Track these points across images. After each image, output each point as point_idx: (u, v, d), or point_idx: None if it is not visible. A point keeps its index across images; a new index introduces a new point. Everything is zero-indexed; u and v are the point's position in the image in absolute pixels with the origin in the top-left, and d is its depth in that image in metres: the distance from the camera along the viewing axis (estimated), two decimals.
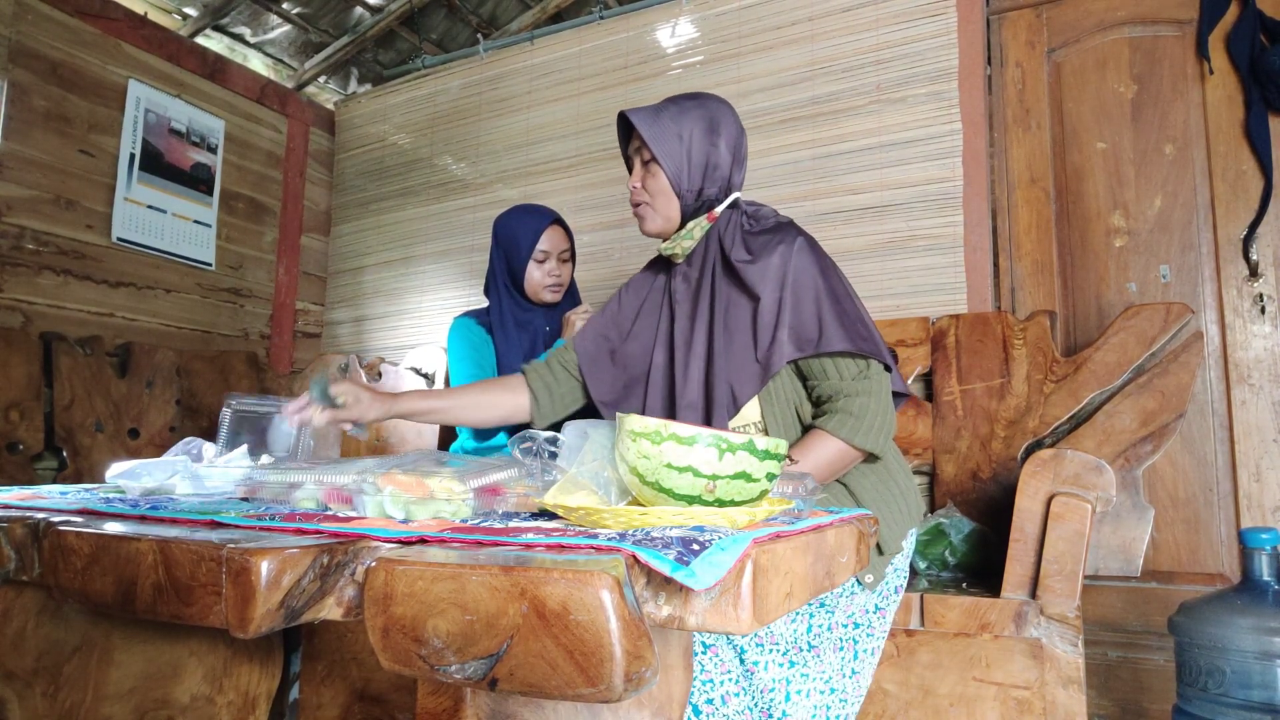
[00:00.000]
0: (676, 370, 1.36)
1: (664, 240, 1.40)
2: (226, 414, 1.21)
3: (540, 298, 1.94)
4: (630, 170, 1.42)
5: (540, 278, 1.92)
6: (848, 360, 1.27)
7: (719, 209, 1.38)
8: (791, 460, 1.34)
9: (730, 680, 1.17)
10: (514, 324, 1.95)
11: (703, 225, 1.37)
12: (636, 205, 1.39)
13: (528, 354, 1.90)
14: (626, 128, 1.40)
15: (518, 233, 1.91)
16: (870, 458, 1.31)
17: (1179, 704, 1.52)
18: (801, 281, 1.29)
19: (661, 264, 1.51)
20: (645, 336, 1.46)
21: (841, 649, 1.27)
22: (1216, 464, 2.07)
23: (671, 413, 1.36)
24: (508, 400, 1.49)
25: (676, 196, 1.34)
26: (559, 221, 1.95)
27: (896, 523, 1.31)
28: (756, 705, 1.18)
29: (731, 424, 1.32)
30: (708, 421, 1.32)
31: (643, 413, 1.39)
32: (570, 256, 1.98)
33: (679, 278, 1.42)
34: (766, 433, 1.32)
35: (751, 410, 1.33)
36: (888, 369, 1.29)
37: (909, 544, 1.38)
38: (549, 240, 1.91)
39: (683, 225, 1.38)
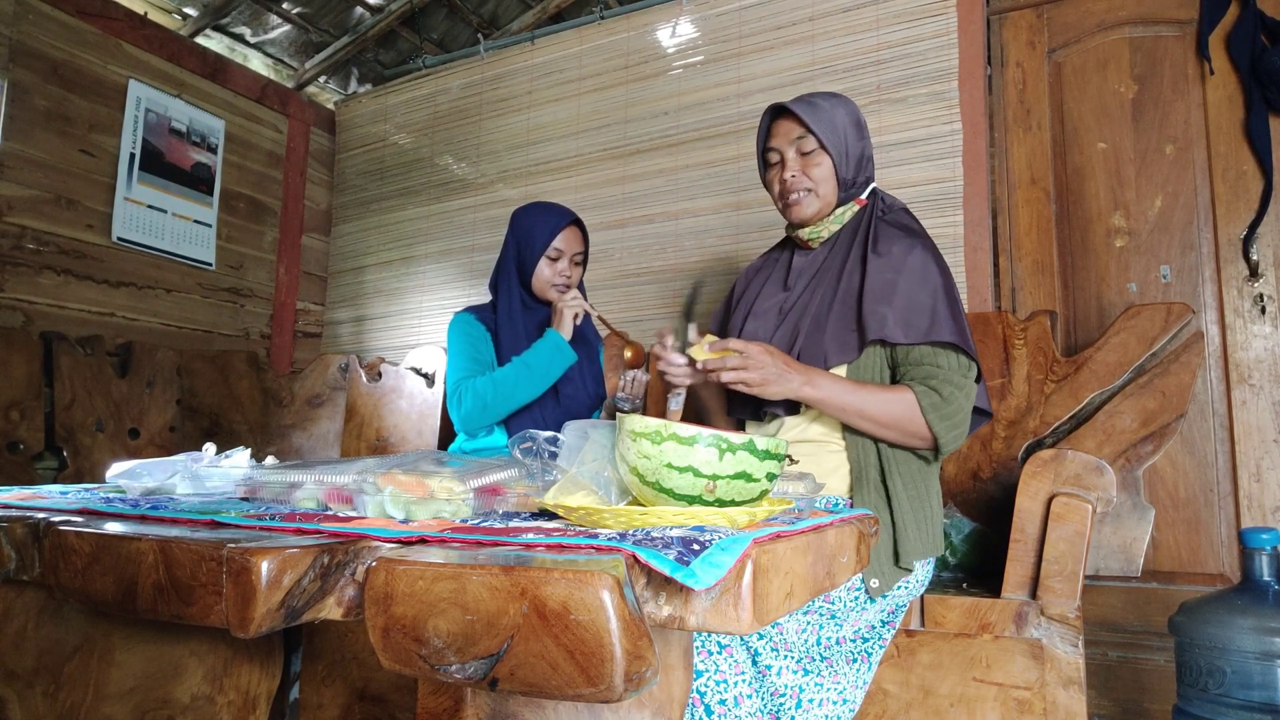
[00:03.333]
0: (799, 334, 1.41)
1: (805, 226, 1.47)
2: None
3: (546, 295, 1.92)
4: (768, 161, 1.49)
5: (549, 276, 1.90)
6: (950, 354, 1.30)
7: (864, 195, 1.48)
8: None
9: (744, 682, 1.17)
10: (520, 320, 1.94)
11: (852, 210, 1.48)
12: (794, 192, 1.44)
13: (522, 350, 1.89)
14: (770, 121, 1.48)
15: (535, 227, 1.90)
16: (925, 459, 1.33)
17: (1179, 704, 1.52)
18: (920, 274, 1.33)
19: (778, 250, 1.61)
20: (743, 308, 1.55)
21: (855, 660, 1.28)
22: (1217, 464, 2.07)
23: None
24: None
25: (837, 184, 1.43)
26: (578, 223, 1.94)
27: (920, 543, 1.32)
28: (767, 709, 1.18)
29: None
30: None
31: None
32: (583, 260, 1.96)
33: (804, 257, 1.50)
34: None
35: None
36: (977, 381, 1.32)
37: (925, 574, 1.39)
38: (565, 240, 1.90)
39: (831, 211, 1.46)
